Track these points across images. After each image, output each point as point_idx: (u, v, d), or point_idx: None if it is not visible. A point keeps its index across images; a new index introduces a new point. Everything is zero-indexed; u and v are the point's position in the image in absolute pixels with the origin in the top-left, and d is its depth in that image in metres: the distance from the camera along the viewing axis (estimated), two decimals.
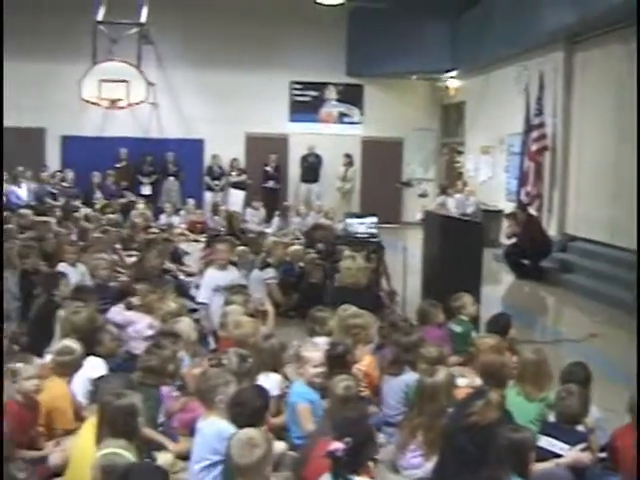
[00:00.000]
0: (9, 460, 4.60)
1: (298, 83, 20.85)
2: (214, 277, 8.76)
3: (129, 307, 7.99)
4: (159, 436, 5.48)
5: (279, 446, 5.32)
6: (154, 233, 13.45)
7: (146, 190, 18.96)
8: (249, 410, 4.74)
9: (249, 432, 4.22)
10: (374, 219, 11.48)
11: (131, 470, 3.81)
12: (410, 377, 5.94)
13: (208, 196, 19.68)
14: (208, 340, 8.17)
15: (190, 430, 5.30)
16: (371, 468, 4.32)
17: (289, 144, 20.77)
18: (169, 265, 10.80)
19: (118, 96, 17.19)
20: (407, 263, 10.33)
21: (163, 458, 5.25)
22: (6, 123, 18.59)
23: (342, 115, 21.24)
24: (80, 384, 5.87)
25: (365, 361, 6.42)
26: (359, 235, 11.28)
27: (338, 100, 21.16)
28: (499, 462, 4.23)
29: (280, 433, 5.64)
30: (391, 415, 5.99)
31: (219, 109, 19.76)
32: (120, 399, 4.53)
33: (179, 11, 18.94)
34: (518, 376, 5.70)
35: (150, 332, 7.25)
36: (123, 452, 3.89)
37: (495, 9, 16.38)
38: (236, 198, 19.36)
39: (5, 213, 14.45)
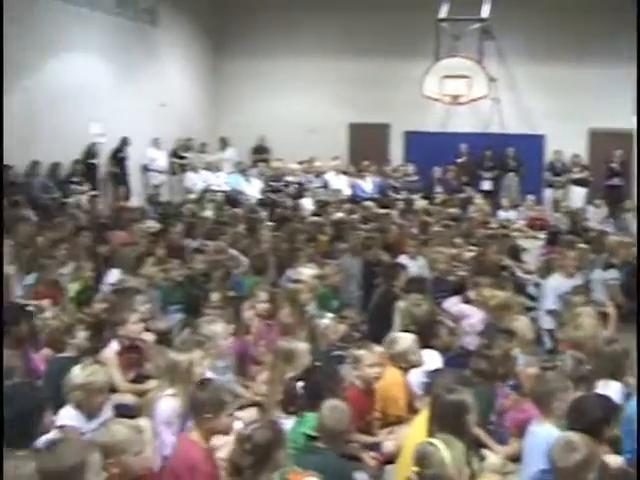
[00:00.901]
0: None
1: None
2: (561, 283, 8.58)
3: (466, 301, 8.05)
4: (487, 438, 5.46)
5: (615, 460, 5.05)
6: (492, 228, 13.39)
7: (486, 185, 18.90)
8: (588, 420, 4.56)
9: (570, 436, 4.15)
10: None
11: None
12: None
13: (548, 192, 19.16)
14: (544, 340, 8.03)
15: (521, 431, 5.20)
16: None
17: (635, 139, 19.60)
18: (507, 261, 10.69)
19: (459, 92, 17.35)
20: None
21: (492, 458, 5.23)
22: (353, 119, 19.75)
23: None
24: (416, 375, 6.02)
25: None
26: None
27: None
28: None
29: (616, 446, 5.34)
30: None
31: (561, 104, 19.08)
32: (451, 394, 4.57)
33: (521, 5, 18.62)
34: None
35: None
36: (439, 444, 3.89)
37: None
38: (577, 195, 18.71)
39: (350, 205, 15.24)
